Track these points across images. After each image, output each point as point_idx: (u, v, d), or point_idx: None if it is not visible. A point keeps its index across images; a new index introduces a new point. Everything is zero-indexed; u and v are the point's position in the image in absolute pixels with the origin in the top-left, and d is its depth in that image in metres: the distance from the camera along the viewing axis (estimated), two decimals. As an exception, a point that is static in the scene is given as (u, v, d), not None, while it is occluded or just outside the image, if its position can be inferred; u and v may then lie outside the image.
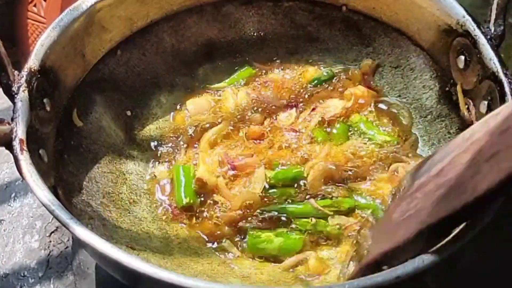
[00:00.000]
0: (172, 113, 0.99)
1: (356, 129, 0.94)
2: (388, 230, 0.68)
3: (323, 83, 1.00)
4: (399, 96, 0.98)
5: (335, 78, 1.00)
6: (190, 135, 0.95)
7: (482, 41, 0.80)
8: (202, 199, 0.87)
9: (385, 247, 0.65)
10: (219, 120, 0.96)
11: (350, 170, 0.87)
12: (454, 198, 0.58)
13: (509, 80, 0.76)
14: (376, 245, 0.70)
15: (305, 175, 0.86)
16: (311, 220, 0.83)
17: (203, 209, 0.86)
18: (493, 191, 0.53)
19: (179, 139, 0.95)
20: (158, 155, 0.94)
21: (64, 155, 0.83)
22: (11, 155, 0.71)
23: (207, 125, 0.95)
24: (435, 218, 0.59)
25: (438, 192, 0.60)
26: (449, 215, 0.58)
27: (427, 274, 0.74)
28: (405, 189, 0.69)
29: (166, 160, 0.93)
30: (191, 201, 0.86)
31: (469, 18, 0.82)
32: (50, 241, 0.96)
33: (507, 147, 0.54)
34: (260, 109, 0.97)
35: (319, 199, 0.85)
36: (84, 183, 0.84)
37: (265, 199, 0.86)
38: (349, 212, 0.84)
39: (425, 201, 0.62)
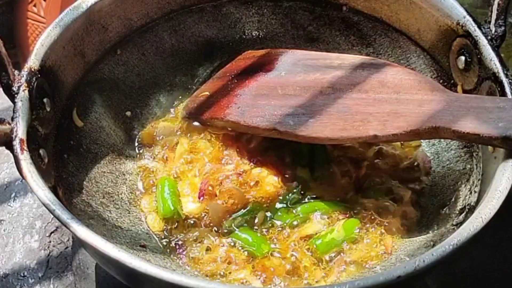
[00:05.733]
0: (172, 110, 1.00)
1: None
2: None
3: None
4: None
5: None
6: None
7: (483, 41, 0.80)
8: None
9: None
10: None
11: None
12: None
13: (510, 80, 0.76)
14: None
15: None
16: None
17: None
18: None
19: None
20: (156, 154, 0.94)
21: (64, 155, 0.83)
22: (11, 155, 0.71)
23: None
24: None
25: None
26: None
27: (427, 274, 0.75)
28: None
29: (163, 159, 0.93)
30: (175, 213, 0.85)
31: (470, 19, 0.82)
32: (50, 241, 0.96)
33: None
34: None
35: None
36: (84, 183, 0.84)
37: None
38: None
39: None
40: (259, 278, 0.79)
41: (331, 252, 0.81)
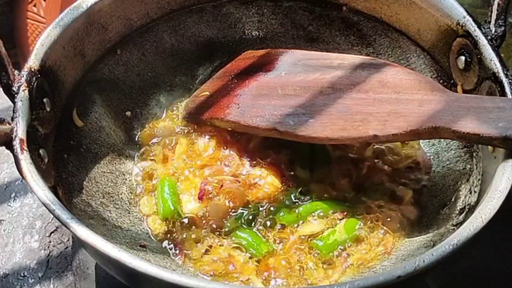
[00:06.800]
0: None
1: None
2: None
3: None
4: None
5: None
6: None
7: (483, 41, 0.79)
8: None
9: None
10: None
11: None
12: None
13: (510, 80, 0.76)
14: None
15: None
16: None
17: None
18: None
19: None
20: (156, 154, 0.94)
21: (64, 155, 0.83)
22: (11, 155, 0.71)
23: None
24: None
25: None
26: None
27: (427, 274, 0.75)
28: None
29: (163, 159, 0.93)
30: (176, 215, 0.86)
31: (470, 19, 0.82)
32: (50, 241, 0.96)
33: None
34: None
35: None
36: (84, 183, 0.84)
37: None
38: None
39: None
40: (260, 278, 0.79)
41: (333, 253, 0.82)
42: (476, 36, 0.81)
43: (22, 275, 0.92)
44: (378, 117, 0.78)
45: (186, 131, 0.95)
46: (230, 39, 1.04)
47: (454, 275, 0.89)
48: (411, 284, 0.66)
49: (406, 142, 0.93)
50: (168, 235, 0.84)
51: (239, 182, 0.87)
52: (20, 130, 0.72)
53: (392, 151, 0.92)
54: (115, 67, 0.95)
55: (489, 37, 0.80)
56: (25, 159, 0.70)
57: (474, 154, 0.83)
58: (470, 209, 0.76)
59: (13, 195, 1.01)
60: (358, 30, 0.99)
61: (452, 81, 0.88)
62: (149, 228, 0.85)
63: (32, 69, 0.77)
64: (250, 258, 0.81)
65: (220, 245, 0.83)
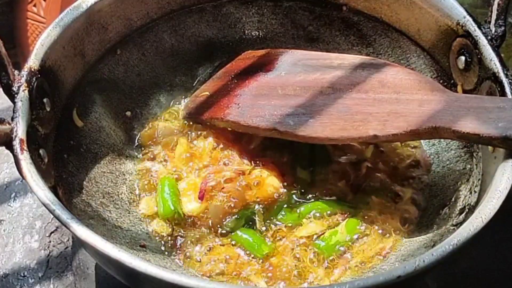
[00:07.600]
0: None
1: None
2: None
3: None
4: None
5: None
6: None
7: (483, 41, 0.80)
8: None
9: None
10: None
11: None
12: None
13: (510, 80, 0.76)
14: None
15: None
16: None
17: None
18: None
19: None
20: (156, 154, 0.94)
21: (64, 155, 0.83)
22: (11, 155, 0.71)
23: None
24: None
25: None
26: None
27: (427, 274, 0.75)
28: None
29: (163, 159, 0.93)
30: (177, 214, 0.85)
31: (470, 19, 0.82)
32: (50, 241, 0.96)
33: None
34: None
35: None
36: (84, 183, 0.84)
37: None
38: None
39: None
40: (261, 278, 0.79)
41: (334, 253, 0.82)
42: (476, 36, 0.81)
43: (22, 275, 0.92)
44: (378, 117, 0.78)
45: (186, 131, 0.95)
46: (230, 39, 1.04)
47: (454, 275, 0.89)
48: (411, 284, 0.66)
49: (406, 142, 0.93)
50: (168, 235, 0.84)
51: (240, 179, 0.87)
52: (20, 130, 0.72)
53: (392, 151, 0.92)
54: (115, 67, 0.95)
55: (489, 37, 0.80)
56: (25, 159, 0.70)
57: (474, 154, 0.83)
58: (470, 209, 0.76)
59: (13, 195, 1.01)
60: (358, 30, 0.99)
61: (452, 81, 0.88)
62: (149, 228, 0.85)
63: (32, 69, 0.77)
64: (251, 258, 0.81)
65: (220, 245, 0.83)
